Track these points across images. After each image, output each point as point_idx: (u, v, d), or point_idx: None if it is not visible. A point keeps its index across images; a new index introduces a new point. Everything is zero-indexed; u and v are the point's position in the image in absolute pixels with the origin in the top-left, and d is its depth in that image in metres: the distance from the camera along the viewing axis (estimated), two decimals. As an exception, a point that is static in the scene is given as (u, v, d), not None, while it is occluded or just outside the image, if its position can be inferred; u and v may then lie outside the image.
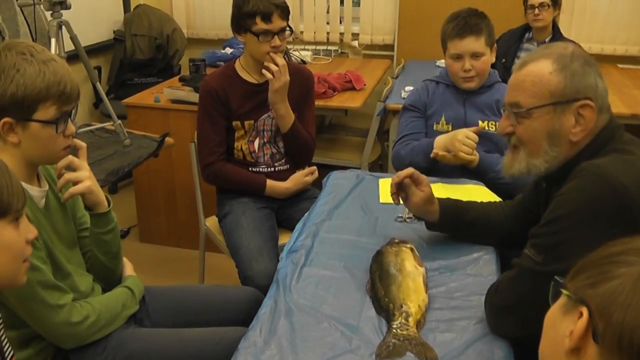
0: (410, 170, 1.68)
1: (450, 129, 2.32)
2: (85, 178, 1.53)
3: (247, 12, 2.24)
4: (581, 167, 1.28)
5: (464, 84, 2.31)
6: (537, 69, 1.36)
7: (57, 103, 1.38)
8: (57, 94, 1.37)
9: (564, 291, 0.82)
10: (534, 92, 1.36)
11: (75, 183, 1.53)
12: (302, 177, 2.48)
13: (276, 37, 2.26)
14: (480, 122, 2.30)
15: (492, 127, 2.31)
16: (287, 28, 2.30)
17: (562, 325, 0.81)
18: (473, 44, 2.23)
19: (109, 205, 1.61)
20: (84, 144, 1.57)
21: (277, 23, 2.25)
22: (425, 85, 2.44)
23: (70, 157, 1.51)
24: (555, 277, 0.85)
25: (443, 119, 2.34)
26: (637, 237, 0.80)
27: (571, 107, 1.34)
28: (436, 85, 2.41)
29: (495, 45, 2.33)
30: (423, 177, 1.69)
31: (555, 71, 1.34)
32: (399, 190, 1.69)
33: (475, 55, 2.25)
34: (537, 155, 1.40)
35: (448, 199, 1.80)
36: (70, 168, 1.55)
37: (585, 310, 0.76)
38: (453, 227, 1.73)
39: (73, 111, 1.47)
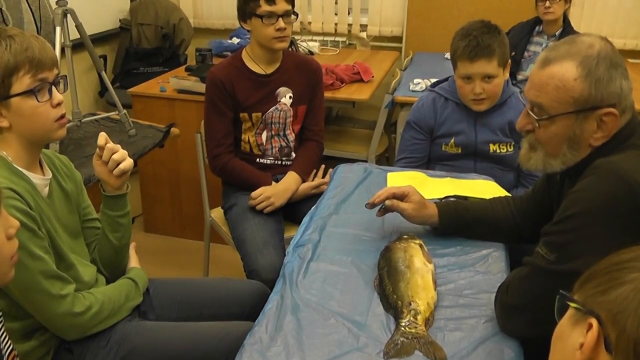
0: (388, 191, 1.70)
1: (459, 151, 2.27)
2: (127, 156, 1.54)
3: None
4: (595, 164, 1.26)
5: (474, 106, 2.20)
6: (562, 72, 1.31)
7: (30, 71, 1.36)
8: (26, 61, 1.35)
9: (572, 304, 0.80)
10: (557, 97, 1.32)
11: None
12: (309, 189, 2.46)
13: (280, 19, 2.25)
14: (491, 146, 2.25)
15: (502, 149, 2.25)
16: (292, 12, 2.29)
17: (571, 337, 0.79)
18: (485, 66, 2.10)
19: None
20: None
21: (281, 5, 2.25)
22: (433, 101, 2.30)
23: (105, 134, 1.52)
24: (561, 291, 0.83)
25: (452, 141, 2.27)
26: None
27: (594, 114, 1.30)
28: (445, 103, 2.28)
29: (510, 61, 2.19)
30: (405, 189, 1.70)
31: (579, 77, 1.29)
32: (385, 209, 1.72)
33: (487, 78, 2.13)
34: (555, 156, 1.37)
35: (447, 200, 1.78)
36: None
37: (594, 322, 0.74)
38: (455, 228, 1.71)
39: (62, 82, 1.45)
